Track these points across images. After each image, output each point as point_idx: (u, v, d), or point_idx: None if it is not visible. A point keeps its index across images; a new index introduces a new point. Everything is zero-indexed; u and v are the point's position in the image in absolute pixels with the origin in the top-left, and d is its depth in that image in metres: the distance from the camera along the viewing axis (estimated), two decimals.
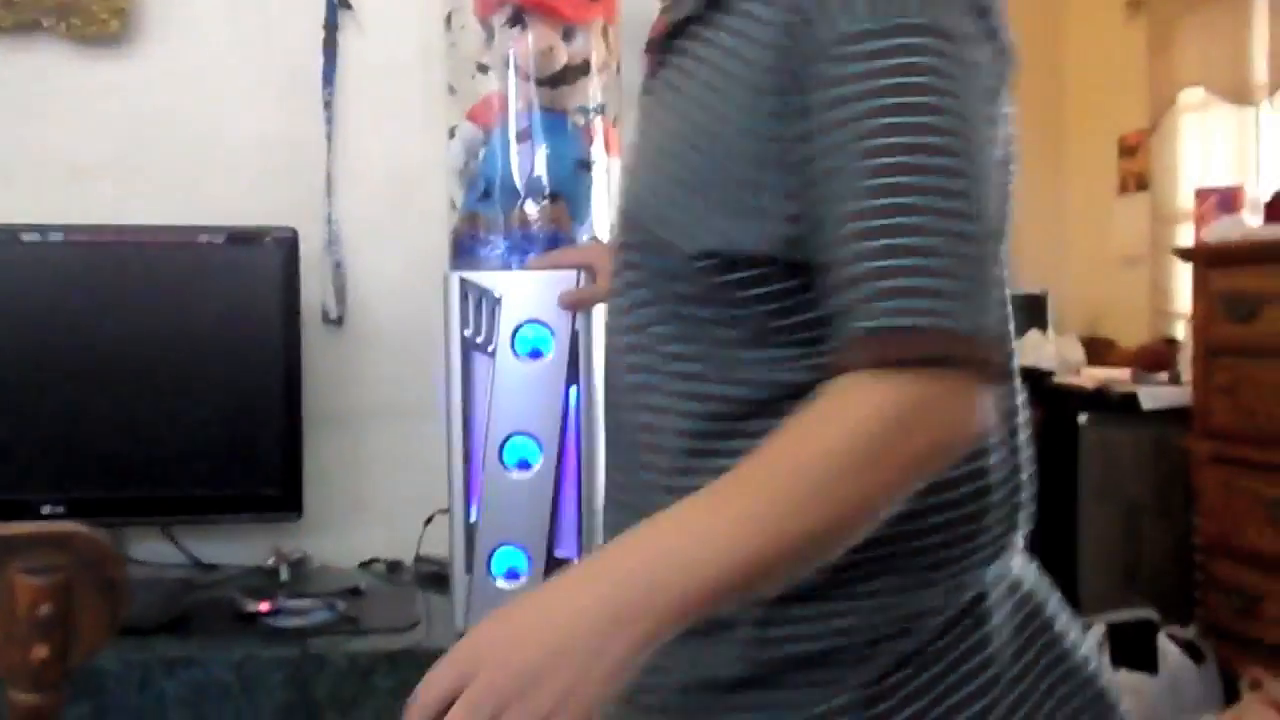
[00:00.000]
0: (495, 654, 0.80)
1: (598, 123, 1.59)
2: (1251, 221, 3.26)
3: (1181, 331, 3.88)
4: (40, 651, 0.95)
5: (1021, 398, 1.00)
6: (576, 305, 1.45)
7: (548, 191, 1.55)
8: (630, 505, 1.02)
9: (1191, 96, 4.27)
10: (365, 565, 1.93)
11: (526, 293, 1.45)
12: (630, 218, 1.01)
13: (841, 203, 0.84)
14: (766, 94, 0.88)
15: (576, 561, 1.45)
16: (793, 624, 0.94)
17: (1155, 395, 3.45)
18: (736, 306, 0.94)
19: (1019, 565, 1.00)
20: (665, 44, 1.00)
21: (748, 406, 0.95)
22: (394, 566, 1.90)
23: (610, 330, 1.06)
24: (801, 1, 0.86)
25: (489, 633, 0.81)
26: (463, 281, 1.46)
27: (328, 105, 1.98)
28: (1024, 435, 1.00)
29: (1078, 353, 4.03)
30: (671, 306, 0.97)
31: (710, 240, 0.92)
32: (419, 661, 1.47)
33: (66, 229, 1.81)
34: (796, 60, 0.87)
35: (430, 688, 0.81)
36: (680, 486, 0.89)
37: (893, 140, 0.83)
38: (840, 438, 0.82)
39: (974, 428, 0.86)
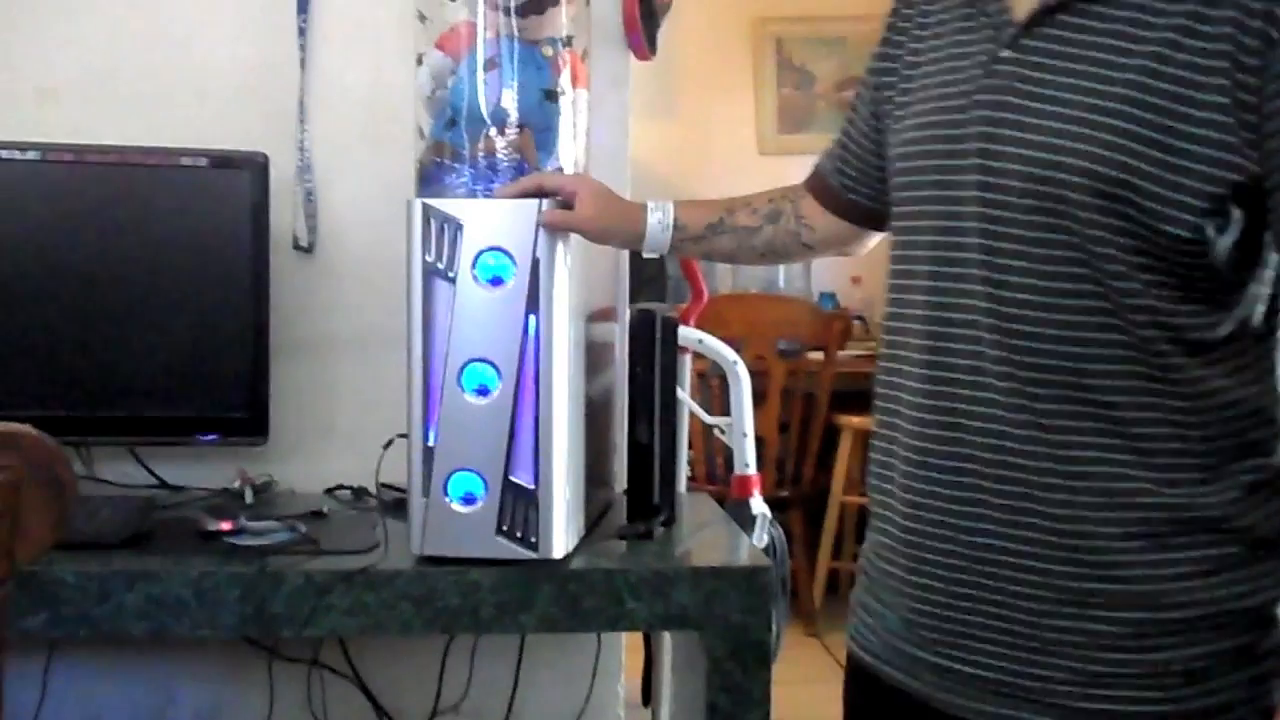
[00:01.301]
0: None
1: (566, 54, 1.59)
2: None
3: None
4: None
5: None
6: (558, 228, 1.47)
7: (514, 121, 1.55)
8: (1008, 427, 1.20)
9: None
10: (331, 491, 1.95)
11: (488, 220, 1.46)
12: (1087, 174, 1.15)
13: None
14: (1241, 69, 1.10)
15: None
16: (1255, 511, 1.19)
17: None
18: (1190, 255, 1.14)
19: None
20: (1043, 18, 1.19)
21: (1193, 345, 1.17)
22: (359, 492, 1.92)
23: (1006, 272, 1.20)
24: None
25: None
26: (425, 207, 1.47)
27: (302, 32, 1.98)
28: None
29: None
30: (1133, 259, 1.15)
31: (1210, 186, 1.12)
32: (374, 582, 1.50)
33: (41, 147, 1.81)
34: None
35: None
36: (1126, 417, 1.16)
37: None
38: None
39: None
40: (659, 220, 1.50)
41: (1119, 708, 1.20)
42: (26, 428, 0.99)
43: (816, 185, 1.53)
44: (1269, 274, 1.19)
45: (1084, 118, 1.15)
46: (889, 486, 1.33)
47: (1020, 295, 1.19)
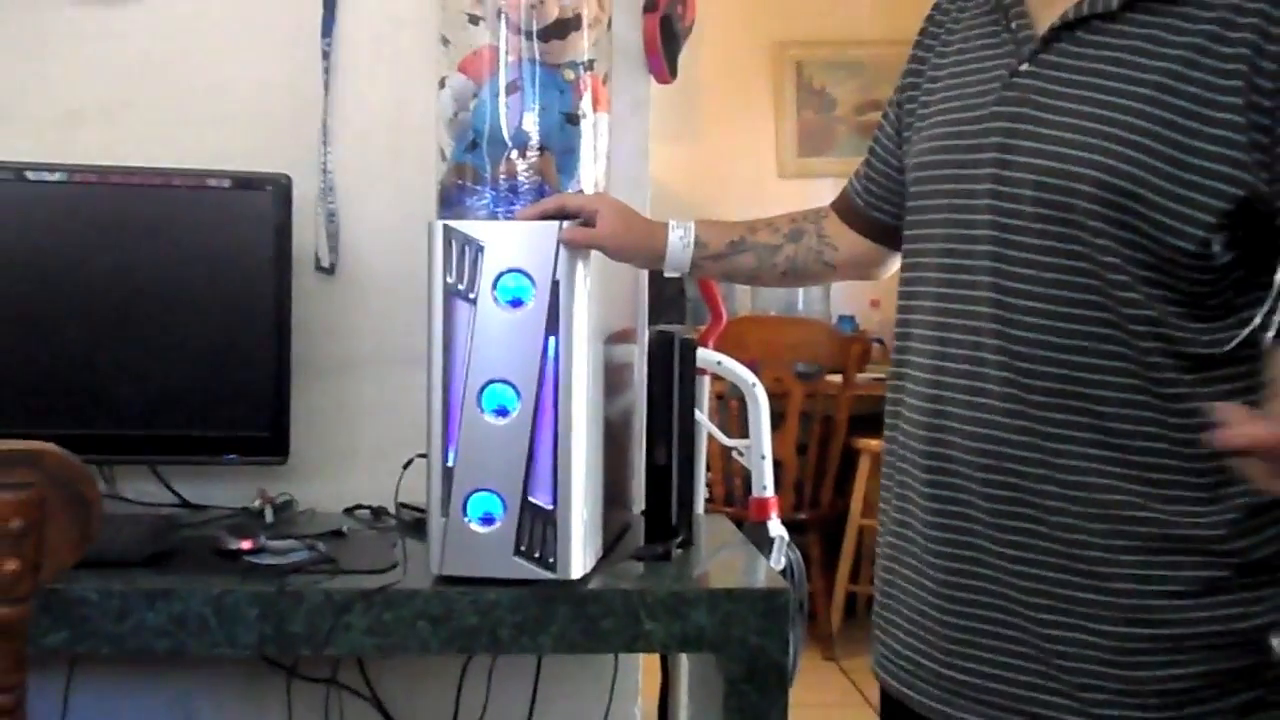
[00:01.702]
0: None
1: (587, 77, 1.60)
2: None
3: None
4: (10, 564, 0.97)
5: None
6: (579, 245, 1.48)
7: (535, 144, 1.56)
8: (1004, 440, 1.21)
9: None
10: (350, 510, 1.96)
11: (509, 242, 1.47)
12: (1097, 184, 1.16)
13: None
14: (1256, 90, 1.12)
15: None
16: (1250, 535, 1.18)
17: None
18: (1194, 269, 1.16)
19: None
20: (1061, 33, 1.21)
21: (1193, 361, 1.17)
22: (379, 512, 1.93)
23: (1014, 279, 1.21)
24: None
25: None
26: (446, 229, 1.48)
27: (326, 55, 2.00)
28: None
29: None
30: (1137, 271, 1.16)
31: (1218, 201, 1.13)
32: (393, 602, 1.51)
33: (68, 169, 1.83)
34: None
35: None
36: (1121, 429, 1.17)
37: None
38: None
39: None
40: (680, 238, 1.51)
41: None
42: (50, 446, 1.00)
43: (842, 204, 1.54)
44: (1275, 292, 1.20)
45: (1097, 129, 1.17)
46: (887, 495, 1.34)
47: (1026, 303, 1.20)
